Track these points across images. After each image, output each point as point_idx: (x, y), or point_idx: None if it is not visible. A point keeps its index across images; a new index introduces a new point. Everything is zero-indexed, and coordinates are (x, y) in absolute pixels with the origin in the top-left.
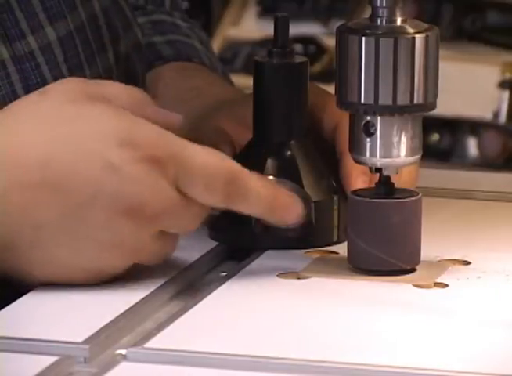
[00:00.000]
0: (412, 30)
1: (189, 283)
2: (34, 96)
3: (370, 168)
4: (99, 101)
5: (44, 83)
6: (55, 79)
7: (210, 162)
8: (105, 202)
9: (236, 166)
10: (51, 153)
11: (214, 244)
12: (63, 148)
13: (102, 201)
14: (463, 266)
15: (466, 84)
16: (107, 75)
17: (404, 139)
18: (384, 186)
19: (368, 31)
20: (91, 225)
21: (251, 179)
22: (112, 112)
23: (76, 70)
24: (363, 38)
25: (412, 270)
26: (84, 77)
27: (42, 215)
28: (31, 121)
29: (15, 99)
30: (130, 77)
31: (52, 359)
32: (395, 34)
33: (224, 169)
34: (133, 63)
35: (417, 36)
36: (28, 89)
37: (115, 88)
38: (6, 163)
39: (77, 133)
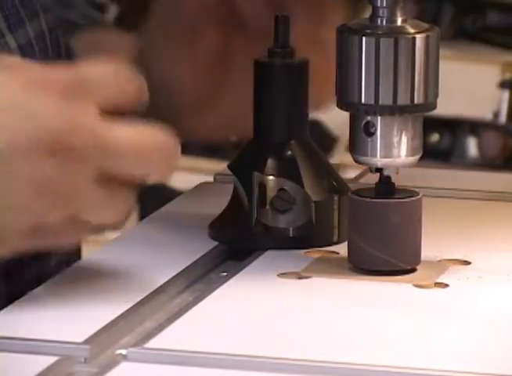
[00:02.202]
0: (412, 30)
1: (189, 283)
2: None
3: (370, 168)
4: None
5: None
6: None
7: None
8: (26, 142)
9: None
10: None
11: (214, 243)
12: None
13: (20, 145)
14: (463, 266)
15: (467, 84)
16: None
17: (404, 138)
18: (385, 185)
19: (368, 31)
20: (16, 169)
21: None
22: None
23: None
24: (363, 38)
25: (413, 270)
26: None
27: None
28: None
29: None
30: None
31: (52, 360)
32: (396, 34)
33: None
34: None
35: (418, 36)
36: None
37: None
38: None
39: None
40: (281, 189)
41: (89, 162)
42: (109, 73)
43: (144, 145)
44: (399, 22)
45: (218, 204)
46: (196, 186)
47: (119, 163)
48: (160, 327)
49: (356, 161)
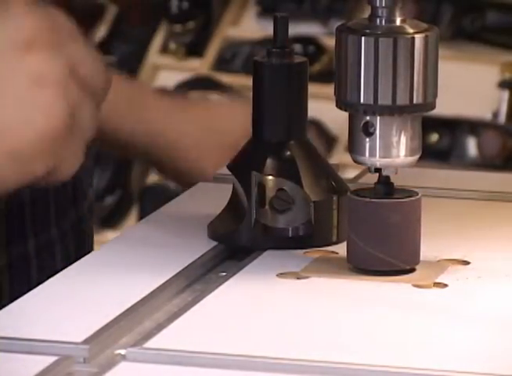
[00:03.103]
0: (411, 30)
1: (188, 283)
2: None
3: (370, 168)
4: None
5: None
6: None
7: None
8: (4, 45)
9: None
10: None
11: (213, 243)
12: None
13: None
14: (462, 266)
15: (466, 84)
16: None
17: (403, 139)
18: (384, 186)
19: (367, 31)
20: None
21: None
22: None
23: None
24: (363, 38)
25: (412, 270)
26: None
27: None
28: None
29: None
30: None
31: (51, 359)
32: (395, 34)
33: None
34: None
35: (417, 36)
36: None
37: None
38: None
39: None
40: (280, 189)
41: (64, 49)
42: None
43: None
44: (398, 22)
45: (217, 204)
46: (196, 187)
47: (83, 58)
48: (160, 327)
49: (355, 161)
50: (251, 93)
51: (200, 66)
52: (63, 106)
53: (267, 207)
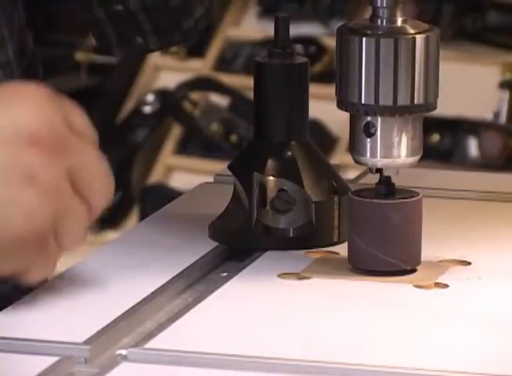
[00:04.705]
0: (412, 31)
1: (189, 284)
2: None
3: (371, 169)
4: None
5: None
6: None
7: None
8: (3, 136)
9: None
10: None
11: (214, 244)
12: None
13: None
14: (463, 267)
15: (467, 85)
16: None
17: (404, 139)
18: (385, 186)
19: (368, 32)
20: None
21: None
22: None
23: None
24: (364, 39)
25: (413, 271)
26: None
27: None
28: None
29: None
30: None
31: (52, 360)
32: (396, 34)
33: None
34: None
35: (418, 36)
36: None
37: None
38: None
39: None
40: (281, 190)
41: (64, 156)
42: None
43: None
44: (399, 22)
45: (218, 205)
46: (197, 187)
47: (87, 167)
48: (161, 328)
49: (356, 162)
50: (252, 94)
51: (201, 66)
52: (47, 210)
53: (268, 207)
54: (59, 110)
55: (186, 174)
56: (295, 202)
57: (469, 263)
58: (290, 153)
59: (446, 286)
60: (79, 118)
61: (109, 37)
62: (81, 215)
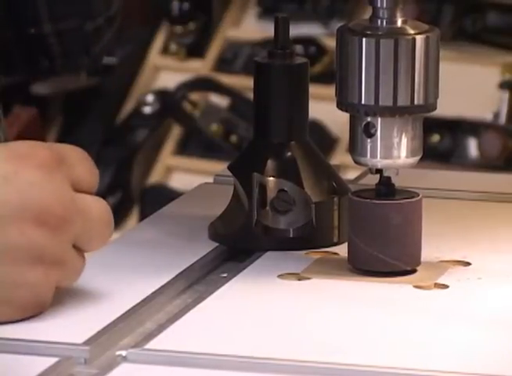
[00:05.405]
0: (412, 31)
1: (189, 284)
2: None
3: (371, 169)
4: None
5: None
6: None
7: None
8: (11, 215)
9: None
10: None
11: (214, 244)
12: None
13: (9, 215)
14: (463, 267)
15: (467, 85)
16: None
17: (404, 140)
18: (385, 187)
19: (368, 32)
20: (6, 243)
21: None
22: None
23: None
24: (364, 39)
25: (413, 271)
26: None
27: None
28: None
29: None
30: None
31: (52, 361)
32: (396, 35)
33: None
34: None
35: (418, 37)
36: None
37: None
38: None
39: None
40: (281, 190)
41: (71, 228)
42: (80, 154)
43: (109, 216)
44: (399, 23)
45: (218, 205)
46: (196, 187)
47: (92, 229)
48: (160, 328)
49: (356, 162)
50: (252, 94)
51: (200, 67)
52: (52, 283)
53: (268, 208)
54: (64, 172)
55: (186, 174)
56: (295, 202)
57: (469, 264)
58: (290, 153)
59: (446, 286)
60: (81, 169)
61: (15, 58)
62: (78, 266)
